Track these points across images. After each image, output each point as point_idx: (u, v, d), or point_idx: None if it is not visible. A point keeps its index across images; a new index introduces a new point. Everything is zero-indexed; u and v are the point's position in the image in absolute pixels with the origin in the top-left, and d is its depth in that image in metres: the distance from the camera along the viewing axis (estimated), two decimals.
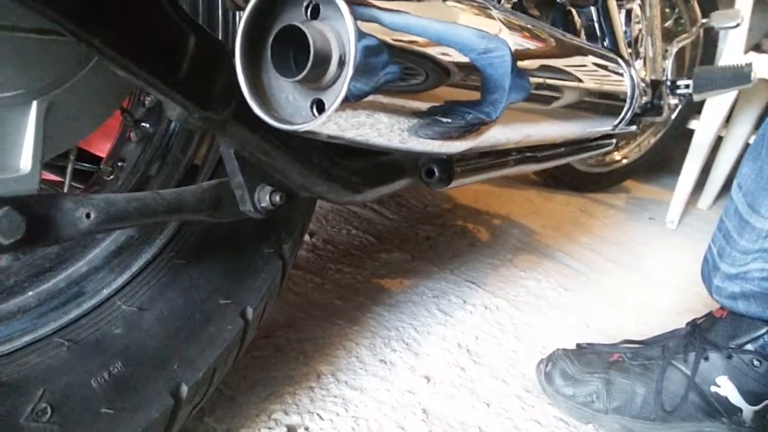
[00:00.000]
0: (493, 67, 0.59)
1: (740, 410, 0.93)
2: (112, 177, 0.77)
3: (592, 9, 1.06)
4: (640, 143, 2.44)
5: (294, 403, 0.95)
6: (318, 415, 0.94)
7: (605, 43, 1.11)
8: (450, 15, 0.55)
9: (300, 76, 0.46)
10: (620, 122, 1.13)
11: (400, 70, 0.50)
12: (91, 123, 0.62)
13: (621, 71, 1.04)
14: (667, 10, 2.18)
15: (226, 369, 0.75)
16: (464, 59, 0.56)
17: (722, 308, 1.00)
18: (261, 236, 0.79)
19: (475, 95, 0.59)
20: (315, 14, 0.48)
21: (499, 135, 0.67)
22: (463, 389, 1.05)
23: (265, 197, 0.68)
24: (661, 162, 2.58)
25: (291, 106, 0.51)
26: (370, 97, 0.49)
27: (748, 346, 0.93)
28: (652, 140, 2.44)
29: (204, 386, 0.71)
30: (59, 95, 0.57)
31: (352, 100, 0.48)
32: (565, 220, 2.03)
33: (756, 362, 0.92)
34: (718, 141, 2.26)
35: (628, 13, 1.33)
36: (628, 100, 1.09)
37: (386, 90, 0.49)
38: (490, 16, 0.61)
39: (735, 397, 0.92)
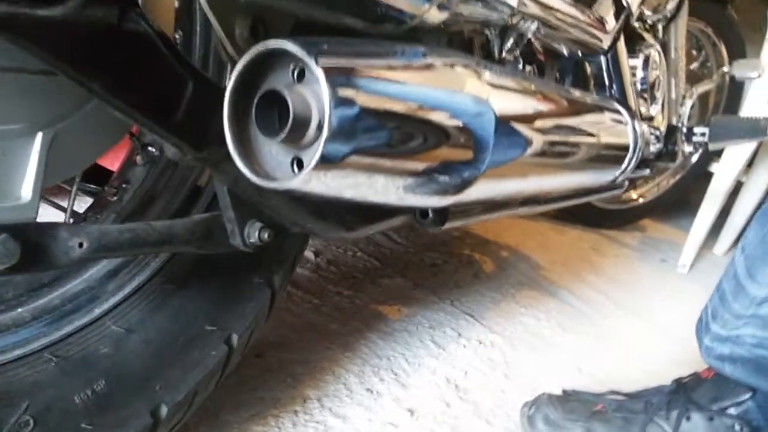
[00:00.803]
0: (474, 129, 0.61)
1: None
2: (116, 198, 0.81)
3: (602, 58, 1.07)
4: (658, 183, 2.42)
5: (276, 426, 0.98)
6: None
7: (612, 92, 1.12)
8: (432, 78, 0.57)
9: (279, 138, 0.49)
10: (624, 172, 1.14)
11: (379, 134, 0.52)
12: (94, 153, 0.66)
13: (623, 121, 1.05)
14: (694, 52, 2.17)
15: (208, 392, 0.78)
16: (446, 123, 0.58)
17: (709, 369, 1.00)
18: (252, 266, 0.82)
19: (458, 156, 0.61)
20: (301, 77, 0.51)
21: (486, 190, 0.70)
22: (445, 426, 1.07)
23: (254, 233, 0.71)
24: (680, 202, 2.56)
25: (273, 161, 0.53)
26: (348, 159, 0.51)
27: (731, 410, 0.94)
28: (671, 181, 2.43)
29: (184, 407, 0.74)
30: (64, 127, 0.61)
31: (330, 161, 0.50)
32: (575, 257, 2.02)
33: (737, 427, 0.92)
34: (738, 185, 2.24)
35: (646, 59, 1.33)
36: (630, 151, 1.10)
37: (365, 152, 0.52)
38: (474, 77, 0.63)
39: None
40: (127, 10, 0.53)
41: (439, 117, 0.58)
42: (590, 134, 0.92)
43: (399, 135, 0.54)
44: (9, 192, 0.57)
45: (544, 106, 0.77)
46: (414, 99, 0.55)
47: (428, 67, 0.57)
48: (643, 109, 1.41)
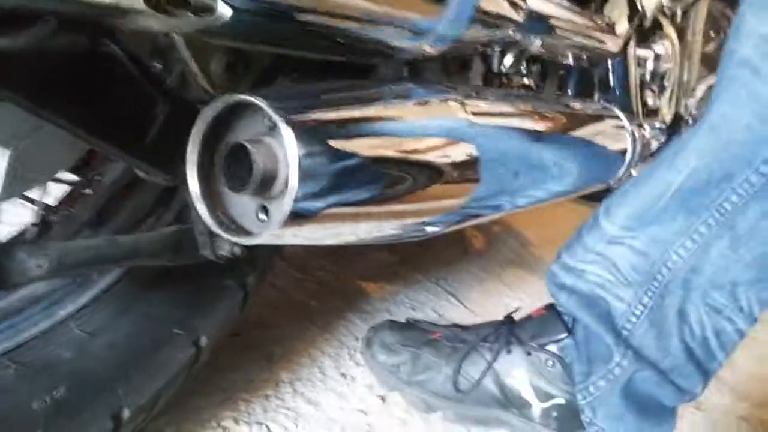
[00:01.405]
0: (453, 171, 0.58)
1: (530, 405, 1.00)
2: (89, 190, 0.79)
3: (609, 62, 1.03)
4: None
5: (247, 411, 0.99)
6: (267, 427, 0.97)
7: (617, 94, 1.07)
8: (409, 125, 0.54)
9: (245, 192, 0.46)
10: (622, 175, 1.11)
11: (350, 187, 0.50)
12: (58, 166, 0.63)
13: (622, 128, 1.02)
14: (712, 33, 2.08)
15: (173, 392, 0.78)
16: (425, 170, 0.55)
17: (538, 309, 1.07)
18: (223, 268, 0.80)
19: (441, 204, 0.59)
20: (272, 128, 0.47)
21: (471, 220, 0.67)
22: (416, 415, 1.08)
23: (224, 246, 0.69)
24: None
25: (239, 206, 0.51)
26: (316, 213, 0.49)
27: (549, 347, 0.99)
28: None
29: (147, 410, 0.74)
30: (28, 144, 0.58)
31: (297, 216, 0.48)
32: (566, 234, 2.01)
33: (550, 363, 0.99)
34: None
35: (657, 56, 1.28)
36: (629, 155, 1.07)
37: (334, 206, 0.49)
38: (454, 113, 0.59)
39: (527, 392, 0.99)
40: (97, 36, 0.49)
41: (418, 163, 0.55)
42: (584, 146, 0.89)
43: (371, 187, 0.51)
44: None
45: (532, 126, 0.74)
46: (389, 150, 0.52)
47: (407, 112, 0.54)
48: (650, 101, 1.36)
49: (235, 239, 0.49)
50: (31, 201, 0.72)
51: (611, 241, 0.93)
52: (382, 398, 1.09)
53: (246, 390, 1.02)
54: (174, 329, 0.76)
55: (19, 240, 0.72)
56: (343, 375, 1.12)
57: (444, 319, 1.36)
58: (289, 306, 1.25)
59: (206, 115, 0.47)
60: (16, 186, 0.59)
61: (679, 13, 1.48)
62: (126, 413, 0.71)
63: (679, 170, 0.87)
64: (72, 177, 0.78)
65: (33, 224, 0.72)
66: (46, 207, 0.75)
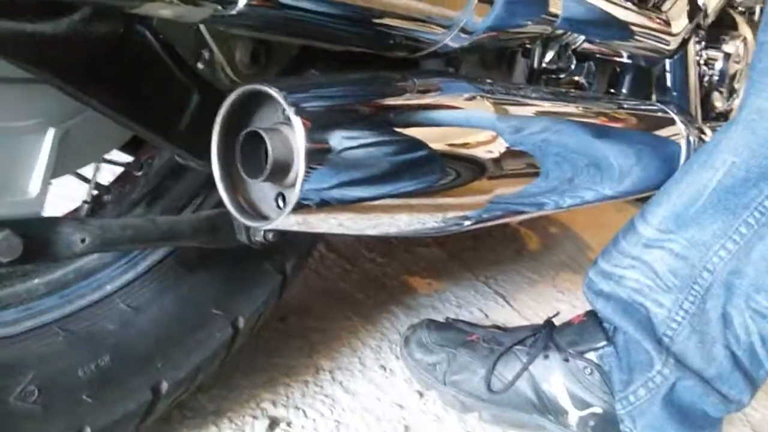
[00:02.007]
0: (470, 167, 0.58)
1: (566, 412, 0.97)
2: (141, 172, 0.83)
3: (667, 62, 0.99)
4: None
5: (285, 394, 1.02)
6: (303, 412, 1.00)
7: (674, 95, 1.04)
8: (425, 117, 0.55)
9: (260, 179, 0.48)
10: None
11: (361, 177, 0.51)
12: (106, 147, 0.67)
13: (676, 132, 0.98)
14: None
15: (212, 370, 0.82)
16: (442, 163, 0.56)
17: (578, 315, 1.04)
18: (264, 253, 0.83)
19: (461, 201, 0.59)
20: (288, 118, 0.49)
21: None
22: (453, 414, 1.08)
23: (259, 232, 0.72)
24: None
25: (260, 194, 0.53)
26: (329, 201, 0.50)
27: (588, 355, 0.97)
28: None
29: (185, 384, 0.78)
30: (76, 123, 0.62)
31: (310, 203, 0.49)
32: None
33: (588, 370, 0.96)
34: None
35: (727, 56, 1.22)
36: (684, 156, 1.03)
37: (345, 194, 0.51)
38: (477, 107, 0.59)
39: (564, 399, 0.97)
40: (132, 23, 0.53)
41: (435, 155, 0.56)
42: (631, 148, 0.86)
43: (386, 179, 0.52)
44: (16, 187, 0.59)
45: (567, 124, 0.72)
46: (396, 144, 0.52)
47: (420, 106, 0.54)
48: (718, 104, 1.30)
49: (251, 224, 0.51)
50: (85, 179, 0.77)
51: (648, 244, 0.91)
52: (420, 394, 1.10)
53: (287, 374, 1.06)
54: (213, 309, 0.80)
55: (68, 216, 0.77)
56: (383, 367, 1.13)
57: (489, 319, 1.35)
58: (335, 296, 1.27)
59: (227, 104, 0.50)
60: (66, 164, 0.63)
61: (758, 10, 1.41)
62: (165, 386, 0.75)
63: (716, 169, 0.84)
64: (126, 158, 0.83)
65: (85, 202, 0.77)
66: (99, 186, 0.80)
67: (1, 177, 0.58)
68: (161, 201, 0.81)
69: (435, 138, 0.54)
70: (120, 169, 0.87)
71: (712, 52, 1.27)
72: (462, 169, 0.57)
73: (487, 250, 1.62)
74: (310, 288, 1.27)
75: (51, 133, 0.61)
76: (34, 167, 0.60)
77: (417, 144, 0.53)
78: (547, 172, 0.69)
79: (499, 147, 0.60)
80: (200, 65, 0.55)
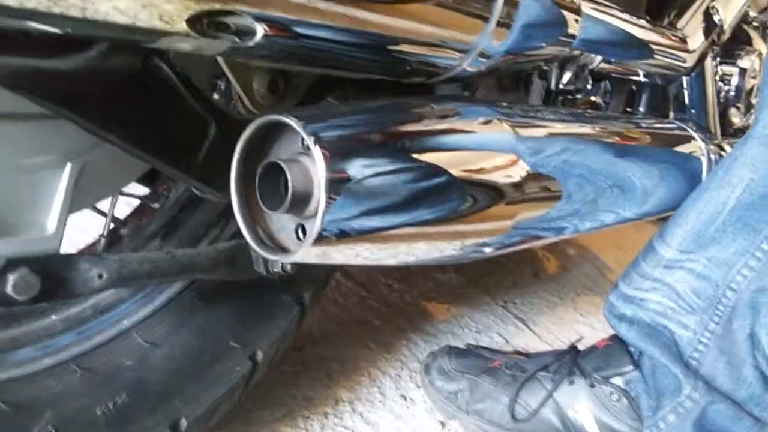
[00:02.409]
0: (494, 193, 0.57)
1: None
2: (157, 205, 0.83)
3: (684, 79, 0.98)
4: None
5: (305, 427, 1.00)
6: None
7: (692, 113, 1.02)
8: (445, 145, 0.54)
9: (280, 211, 0.47)
10: None
11: (382, 208, 0.50)
12: (123, 180, 0.67)
13: (697, 149, 0.96)
14: None
15: (230, 404, 0.80)
16: (466, 189, 0.55)
17: (603, 340, 1.02)
18: (281, 284, 0.82)
19: (485, 227, 0.58)
20: (308, 148, 0.48)
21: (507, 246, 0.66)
22: None
23: (278, 263, 0.71)
24: None
25: (278, 224, 0.52)
26: (349, 232, 0.49)
27: (614, 380, 0.94)
28: None
29: (204, 420, 0.76)
30: (93, 156, 0.62)
31: (331, 235, 0.48)
32: None
33: (615, 396, 0.93)
34: None
35: (743, 71, 1.21)
36: (705, 173, 1.01)
37: (366, 225, 0.50)
38: (497, 132, 0.58)
39: (591, 426, 0.94)
40: (148, 57, 0.52)
41: (457, 182, 0.54)
42: (652, 167, 0.85)
43: (407, 207, 0.51)
44: (34, 223, 0.59)
45: (587, 145, 0.71)
46: (417, 171, 0.51)
47: (440, 131, 0.53)
48: (735, 120, 1.29)
49: (272, 257, 0.50)
50: (102, 213, 0.76)
51: (669, 265, 0.89)
52: (442, 424, 1.07)
53: (305, 407, 1.04)
54: (231, 343, 0.78)
55: (86, 251, 0.76)
56: (403, 397, 1.11)
57: (510, 345, 1.32)
58: (352, 324, 1.26)
59: (246, 135, 0.49)
60: (84, 199, 0.63)
61: None
62: (183, 423, 0.74)
63: (733, 186, 0.83)
64: (143, 190, 0.82)
65: (101, 236, 0.77)
66: (116, 219, 0.80)
67: (18, 213, 0.57)
68: (178, 233, 0.81)
69: (457, 163, 0.53)
70: (136, 202, 0.86)
71: (727, 68, 1.26)
72: (486, 195, 0.55)
73: (505, 274, 1.60)
74: (326, 316, 1.26)
75: (68, 168, 0.60)
76: (51, 203, 0.60)
77: (439, 170, 0.52)
78: (570, 195, 0.67)
79: (521, 170, 0.58)
80: (217, 97, 0.55)
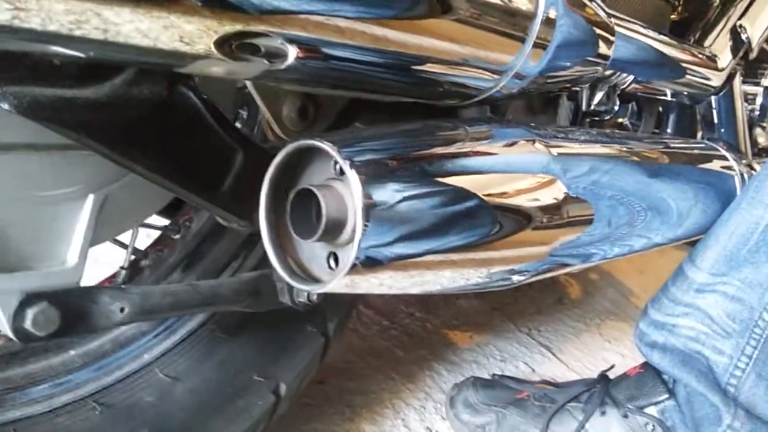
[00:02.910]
0: (535, 217, 0.54)
1: None
2: (178, 236, 0.81)
3: (713, 98, 0.95)
4: None
5: None
6: None
7: (721, 133, 1.00)
8: (480, 169, 0.52)
9: (312, 239, 0.45)
10: None
11: (419, 234, 0.47)
12: (145, 212, 0.65)
13: (729, 169, 0.94)
14: None
15: None
16: (504, 214, 0.52)
17: (635, 368, 0.98)
18: (305, 314, 0.80)
19: (524, 251, 0.55)
20: (342, 173, 0.46)
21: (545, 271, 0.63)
22: None
23: (303, 293, 0.68)
24: None
25: (310, 253, 0.50)
26: (385, 260, 0.47)
27: (648, 410, 0.90)
28: None
29: None
30: (115, 188, 0.60)
31: (366, 264, 0.46)
32: None
33: (650, 427, 0.90)
34: None
35: (767, 89, 1.19)
36: (738, 191, 0.98)
37: (403, 253, 0.47)
38: (534, 155, 0.56)
39: None
40: (175, 85, 0.51)
41: (496, 206, 0.52)
42: (685, 190, 0.82)
43: (445, 234, 0.49)
44: (55, 256, 0.57)
45: (623, 168, 0.69)
46: (454, 195, 0.49)
47: (475, 153, 0.51)
48: (761, 139, 1.26)
49: (303, 287, 0.48)
50: (123, 245, 0.75)
51: (701, 289, 0.86)
52: None
53: None
54: (254, 376, 0.76)
55: (106, 283, 0.74)
56: (428, 429, 1.08)
57: (536, 374, 1.28)
58: (374, 354, 1.22)
59: (277, 162, 0.47)
60: (105, 231, 0.61)
61: None
62: None
63: (765, 205, 0.81)
64: (163, 221, 0.81)
65: (122, 267, 0.75)
66: (137, 251, 0.78)
67: (38, 246, 0.56)
68: (200, 264, 0.79)
69: (494, 186, 0.51)
70: (156, 233, 0.85)
71: (751, 87, 1.24)
72: (525, 219, 0.53)
73: (528, 301, 1.57)
74: (348, 347, 1.23)
75: (90, 199, 0.58)
76: (72, 236, 0.58)
77: (477, 193, 0.50)
78: (604, 218, 0.65)
79: (559, 193, 0.56)
80: (243, 124, 0.53)
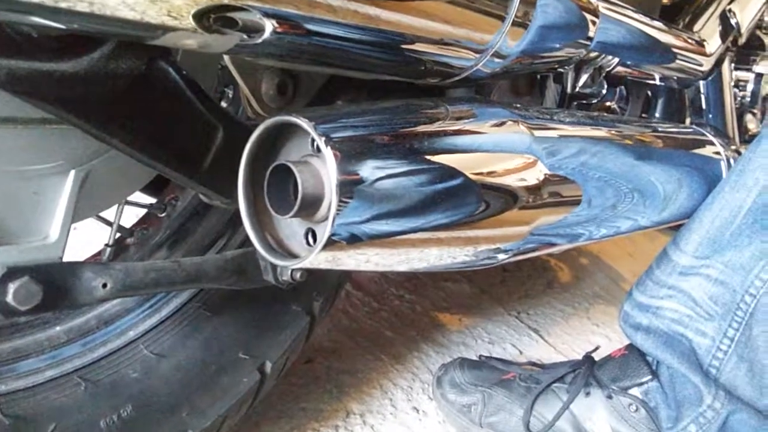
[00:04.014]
0: (510, 196, 0.55)
1: None
2: (164, 214, 0.81)
3: (701, 83, 0.95)
4: None
5: None
6: None
7: (710, 117, 1.00)
8: (457, 147, 0.52)
9: (289, 215, 0.45)
10: None
11: (395, 211, 0.48)
12: (127, 189, 0.65)
13: (715, 150, 0.94)
14: None
15: (238, 417, 0.78)
16: (480, 193, 0.53)
17: (619, 349, 1.00)
18: (291, 293, 0.80)
19: (503, 231, 0.55)
20: (319, 150, 0.47)
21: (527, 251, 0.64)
22: None
23: (287, 271, 0.69)
24: None
25: (288, 230, 0.50)
26: (361, 236, 0.47)
27: (632, 391, 0.92)
28: None
29: None
30: (97, 164, 0.60)
31: (342, 240, 0.46)
32: None
33: (633, 407, 0.91)
34: None
35: (759, 76, 1.19)
36: (724, 176, 0.99)
37: (379, 229, 0.48)
38: (511, 134, 0.56)
39: None
40: (154, 60, 0.51)
41: (472, 184, 0.52)
42: (670, 173, 0.82)
43: (421, 211, 0.49)
44: (37, 231, 0.57)
45: (605, 150, 0.69)
46: (432, 173, 0.49)
47: (455, 132, 0.51)
48: (751, 125, 1.26)
49: (281, 263, 0.48)
50: (108, 222, 0.75)
51: (684, 272, 0.87)
52: None
53: (316, 419, 1.01)
54: (239, 354, 0.76)
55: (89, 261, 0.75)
56: (415, 409, 1.09)
57: (524, 356, 1.29)
58: (363, 335, 1.23)
59: (254, 138, 0.47)
60: (88, 207, 0.61)
61: None
62: None
63: (749, 189, 0.81)
64: (148, 199, 0.81)
65: (107, 245, 0.75)
66: (122, 228, 0.78)
67: (20, 221, 0.56)
68: (185, 242, 0.79)
69: (473, 165, 0.51)
70: (142, 211, 0.85)
71: (742, 74, 1.24)
72: (503, 198, 0.53)
73: (518, 284, 1.57)
74: (336, 327, 1.23)
75: (72, 175, 0.59)
76: (54, 211, 0.58)
77: (455, 172, 0.50)
78: (590, 199, 0.65)
79: (539, 173, 0.56)
80: (228, 103, 0.53)
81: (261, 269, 0.69)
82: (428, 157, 0.49)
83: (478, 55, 0.55)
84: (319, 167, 0.45)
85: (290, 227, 0.50)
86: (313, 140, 0.46)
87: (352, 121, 0.47)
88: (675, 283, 0.89)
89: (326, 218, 0.46)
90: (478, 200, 0.52)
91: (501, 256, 0.60)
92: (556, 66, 0.68)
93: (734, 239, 0.84)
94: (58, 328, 0.70)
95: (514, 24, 0.54)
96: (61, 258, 0.59)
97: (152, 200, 0.83)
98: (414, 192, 0.48)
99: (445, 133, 0.51)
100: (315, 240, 0.49)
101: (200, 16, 0.40)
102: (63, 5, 0.37)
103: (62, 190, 0.58)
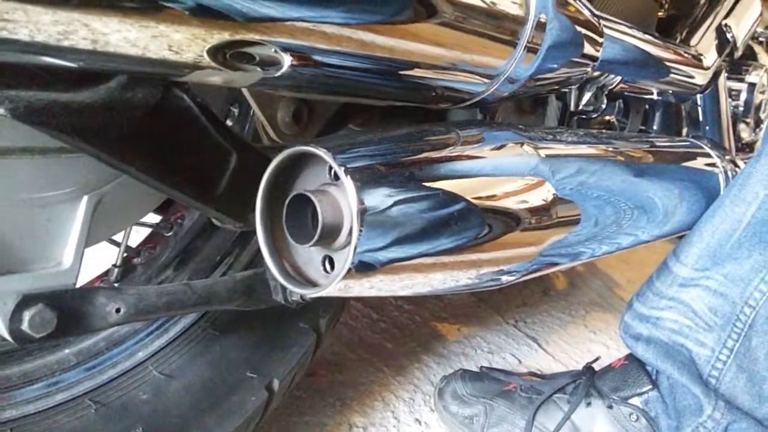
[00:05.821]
0: (526, 218, 0.56)
1: None
2: (171, 233, 0.81)
3: (698, 97, 0.97)
4: None
5: None
6: None
7: (707, 129, 1.01)
8: (473, 171, 0.52)
9: (308, 245, 0.46)
10: None
11: (414, 238, 0.48)
12: (139, 213, 0.65)
13: (713, 166, 0.96)
14: None
15: None
16: (496, 217, 0.53)
17: (619, 359, 1.01)
18: (297, 311, 0.80)
19: (513, 252, 0.56)
20: (337, 178, 0.47)
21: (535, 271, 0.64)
22: None
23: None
24: None
25: (305, 256, 0.51)
26: (381, 264, 0.48)
27: (633, 401, 0.93)
28: None
29: None
30: (109, 189, 0.60)
31: (361, 268, 0.47)
32: None
33: (634, 417, 0.92)
34: None
35: (751, 86, 1.21)
36: (722, 188, 1.00)
37: (398, 256, 0.48)
38: (525, 157, 0.57)
39: None
40: (169, 88, 0.51)
41: (489, 209, 0.53)
42: (671, 187, 0.84)
43: (440, 236, 0.50)
44: (50, 257, 0.57)
45: (611, 168, 0.70)
46: (457, 198, 0.50)
47: (468, 158, 0.52)
48: (744, 135, 1.28)
49: (301, 291, 0.48)
50: (116, 243, 0.75)
51: (684, 284, 0.89)
52: None
53: None
54: (247, 372, 0.77)
55: (100, 283, 0.75)
56: (417, 421, 1.09)
57: (523, 365, 1.30)
58: (364, 347, 1.24)
59: (272, 167, 0.48)
60: (100, 232, 0.61)
61: None
62: None
63: (748, 203, 0.83)
64: (155, 218, 0.81)
65: (115, 265, 0.75)
66: (129, 248, 0.78)
67: (34, 248, 0.56)
68: (192, 261, 0.79)
69: (486, 189, 0.52)
70: (148, 230, 0.85)
71: (735, 84, 1.25)
72: (517, 220, 0.54)
73: (515, 293, 1.59)
74: (338, 339, 1.24)
75: (84, 201, 0.59)
76: (67, 237, 0.58)
77: (468, 197, 0.50)
78: (592, 217, 0.66)
79: (548, 194, 0.57)
80: (234, 122, 0.54)
81: (270, 289, 0.69)
82: (443, 183, 0.50)
83: (490, 81, 0.56)
84: (338, 196, 0.46)
85: (308, 255, 0.50)
86: (330, 169, 0.47)
87: (368, 149, 0.47)
88: (675, 294, 0.90)
89: (345, 246, 0.47)
90: (494, 223, 0.52)
91: (511, 277, 0.61)
92: (562, 86, 0.69)
93: (734, 252, 0.85)
94: (67, 350, 0.70)
95: (527, 49, 0.55)
96: (75, 284, 0.59)
97: (158, 218, 0.82)
98: (431, 218, 0.48)
99: (458, 159, 0.51)
100: (332, 266, 0.49)
101: (214, 53, 0.40)
102: (66, 44, 0.36)
103: (75, 216, 0.58)
